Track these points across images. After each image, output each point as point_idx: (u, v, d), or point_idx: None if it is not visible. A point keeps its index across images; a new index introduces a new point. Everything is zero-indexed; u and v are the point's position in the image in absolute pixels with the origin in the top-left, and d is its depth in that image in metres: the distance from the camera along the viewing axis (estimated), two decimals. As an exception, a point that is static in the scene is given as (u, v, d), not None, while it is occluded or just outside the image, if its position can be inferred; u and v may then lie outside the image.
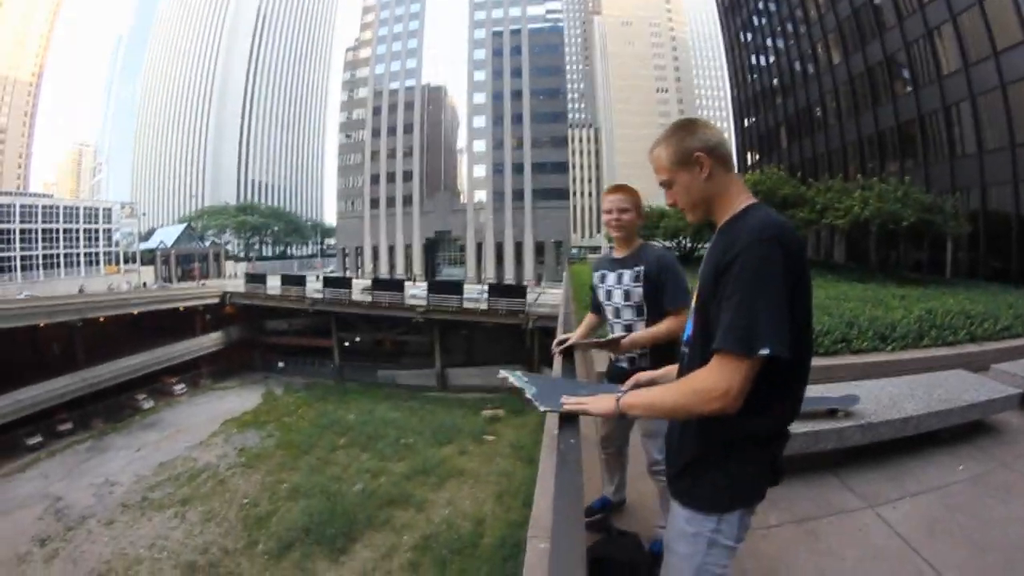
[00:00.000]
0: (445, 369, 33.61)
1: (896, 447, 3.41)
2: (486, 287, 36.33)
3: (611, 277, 2.39)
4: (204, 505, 19.27)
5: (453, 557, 15.39)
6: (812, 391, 3.79)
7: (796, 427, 3.05)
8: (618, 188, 2.36)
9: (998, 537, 2.54)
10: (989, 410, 3.82)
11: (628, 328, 2.32)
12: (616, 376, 2.35)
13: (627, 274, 2.32)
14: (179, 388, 32.66)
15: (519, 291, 32.61)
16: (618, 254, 2.40)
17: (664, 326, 2.14)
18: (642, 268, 2.27)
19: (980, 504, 2.87)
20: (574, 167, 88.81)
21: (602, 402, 1.41)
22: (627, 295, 2.30)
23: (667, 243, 21.77)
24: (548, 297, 33.99)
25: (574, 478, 1.21)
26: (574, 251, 60.58)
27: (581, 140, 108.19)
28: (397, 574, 15.20)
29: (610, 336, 2.28)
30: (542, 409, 1.51)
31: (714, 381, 1.13)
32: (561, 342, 2.54)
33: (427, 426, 25.02)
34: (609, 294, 2.38)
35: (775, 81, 36.86)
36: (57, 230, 47.46)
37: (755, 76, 40.53)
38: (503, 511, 17.62)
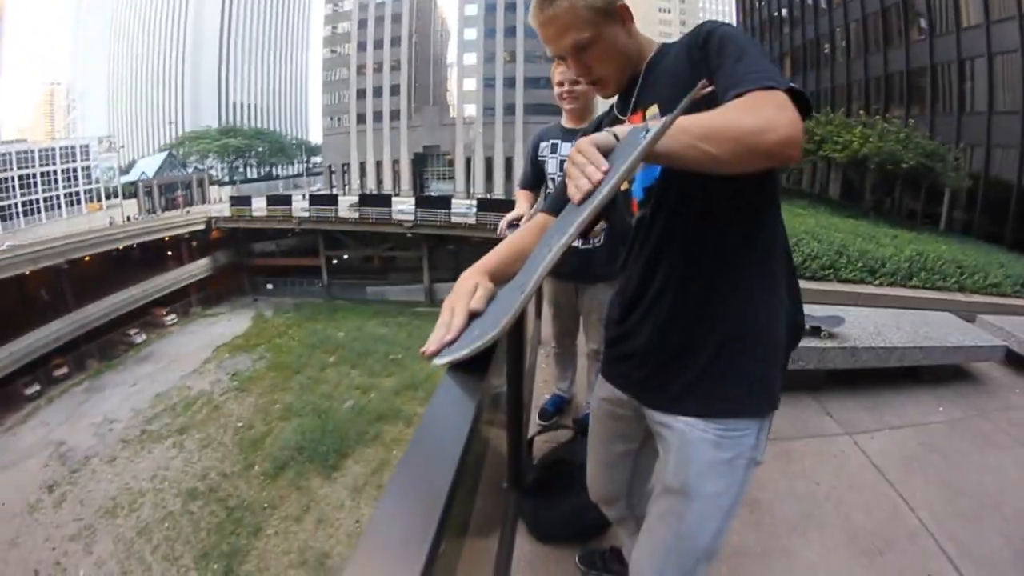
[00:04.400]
0: (433, 284, 33.45)
1: (877, 378, 3.39)
2: (474, 201, 35.46)
3: (565, 147, 2.30)
4: (201, 432, 19.46)
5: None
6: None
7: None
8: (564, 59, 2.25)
9: (973, 483, 2.55)
10: (973, 356, 3.82)
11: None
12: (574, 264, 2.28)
13: None
14: (170, 318, 32.07)
15: (509, 205, 32.13)
16: (571, 124, 2.33)
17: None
18: None
19: (957, 448, 2.87)
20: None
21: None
22: None
23: None
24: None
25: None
26: (565, 165, 59.98)
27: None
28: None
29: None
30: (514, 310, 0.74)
31: (772, 108, 0.72)
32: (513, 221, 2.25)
33: (416, 341, 24.51)
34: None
35: (784, 11, 35.58)
36: (34, 175, 44.92)
37: (763, 3, 39.01)
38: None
